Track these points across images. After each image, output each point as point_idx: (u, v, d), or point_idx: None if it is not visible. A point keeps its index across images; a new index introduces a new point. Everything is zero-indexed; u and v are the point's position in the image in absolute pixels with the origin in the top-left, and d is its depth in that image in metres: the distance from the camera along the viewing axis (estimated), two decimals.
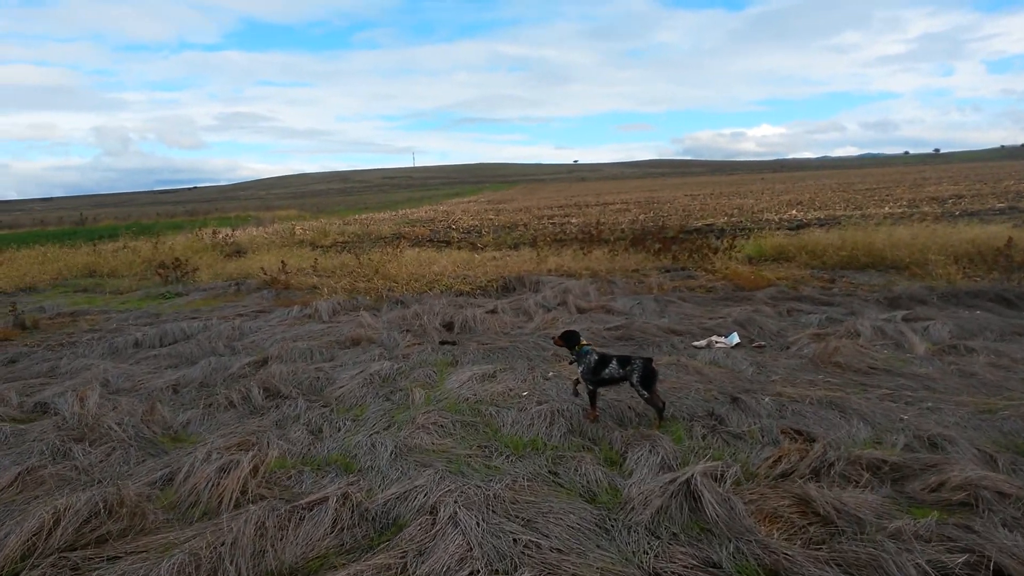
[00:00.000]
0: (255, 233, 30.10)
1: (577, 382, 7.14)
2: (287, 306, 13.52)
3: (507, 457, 6.06)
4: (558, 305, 12.65)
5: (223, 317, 12.80)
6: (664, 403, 6.89)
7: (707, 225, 28.08)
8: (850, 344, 8.99)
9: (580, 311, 12.34)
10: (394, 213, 57.67)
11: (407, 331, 11.04)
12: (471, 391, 7.91)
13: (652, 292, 13.79)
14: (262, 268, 16.77)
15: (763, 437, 6.25)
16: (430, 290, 14.61)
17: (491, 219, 40.39)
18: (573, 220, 35.01)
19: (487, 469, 5.81)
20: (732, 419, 6.69)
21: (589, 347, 6.99)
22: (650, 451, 5.91)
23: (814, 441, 6.02)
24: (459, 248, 23.05)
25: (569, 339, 7.14)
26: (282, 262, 16.51)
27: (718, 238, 19.78)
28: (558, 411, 7.02)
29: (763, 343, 9.75)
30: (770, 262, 16.76)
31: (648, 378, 6.66)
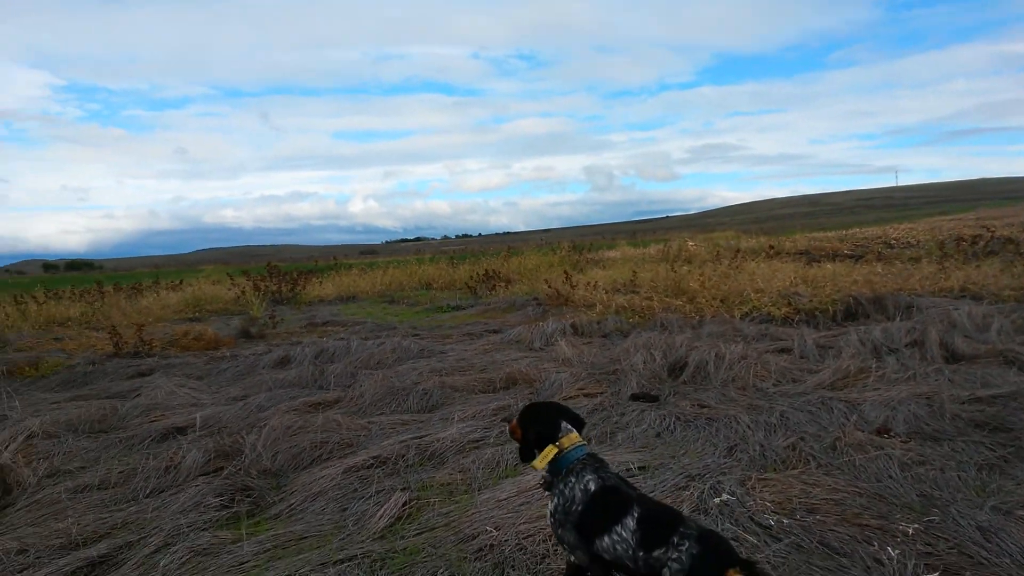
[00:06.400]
0: (634, 252, 27.25)
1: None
2: (535, 322, 10.10)
3: None
4: (908, 345, 6.99)
5: (436, 337, 9.99)
6: None
7: None
8: None
9: (950, 358, 6.57)
10: (841, 232, 50.01)
11: (607, 373, 6.82)
12: (504, 515, 3.63)
13: None
14: (545, 281, 13.65)
15: None
16: (728, 313, 9.80)
17: (963, 234, 31.23)
18: None
19: None
20: None
21: (584, 449, 2.71)
22: None
23: None
24: (859, 260, 16.98)
25: (528, 423, 2.80)
26: (565, 273, 13.21)
27: None
28: None
29: None
30: None
31: None
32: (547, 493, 2.71)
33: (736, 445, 4.64)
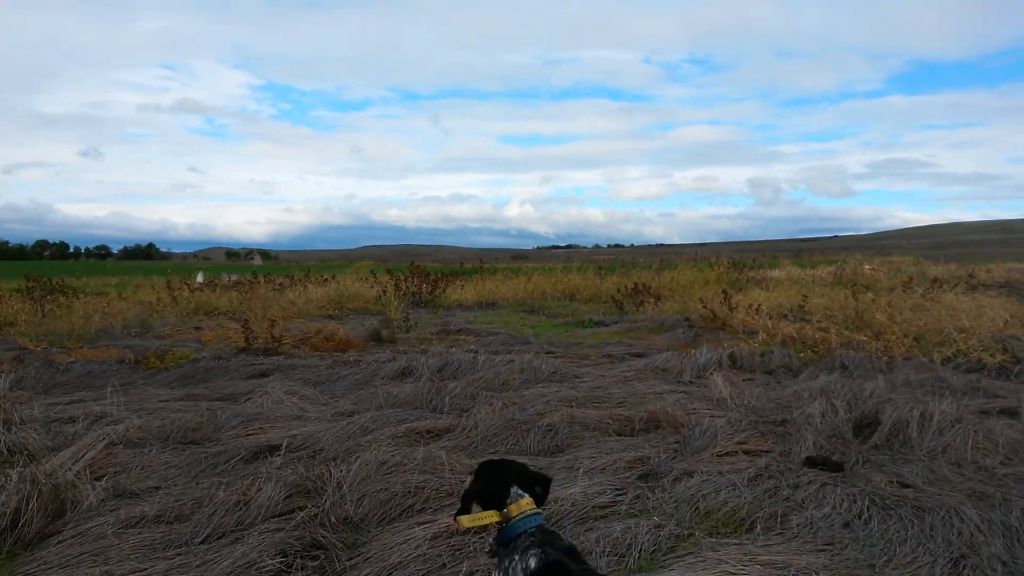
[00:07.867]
0: (800, 273, 25.08)
1: None
2: (685, 348, 8.93)
3: None
4: None
5: (573, 357, 9.04)
6: None
7: None
8: None
9: None
10: None
11: (773, 423, 5.60)
12: None
13: None
14: (700, 300, 12.30)
15: None
16: (925, 356, 8.18)
17: None
18: None
19: None
20: None
21: (537, 519, 2.27)
22: None
23: None
24: None
25: (480, 483, 2.40)
26: (724, 293, 11.83)
27: None
28: None
29: None
30: None
31: None
32: (492, 560, 2.37)
33: (964, 556, 3.35)
